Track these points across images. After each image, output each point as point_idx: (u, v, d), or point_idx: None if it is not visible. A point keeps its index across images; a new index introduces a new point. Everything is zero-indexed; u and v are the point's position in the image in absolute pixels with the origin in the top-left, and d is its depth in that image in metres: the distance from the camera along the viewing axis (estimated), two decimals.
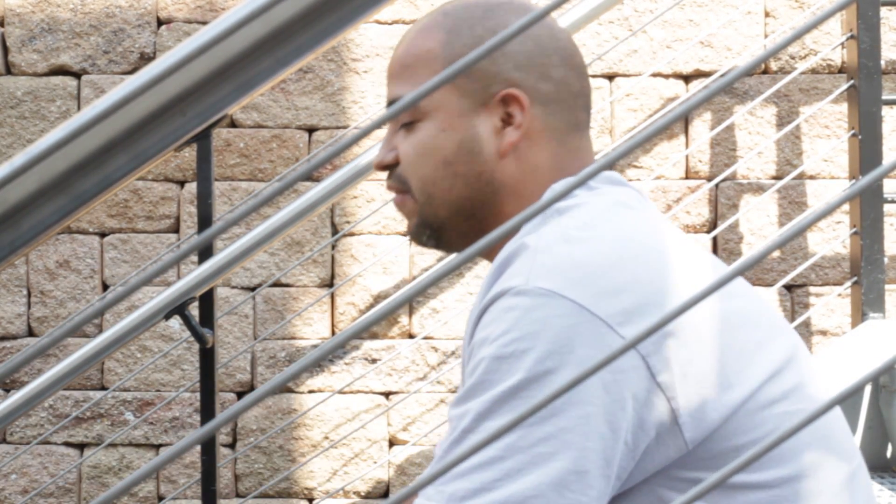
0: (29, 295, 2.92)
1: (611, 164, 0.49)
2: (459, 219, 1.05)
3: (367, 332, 2.95)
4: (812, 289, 2.95)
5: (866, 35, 2.39)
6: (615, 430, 0.85)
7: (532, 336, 0.85)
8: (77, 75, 2.93)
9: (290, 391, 2.93)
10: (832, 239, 2.93)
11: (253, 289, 2.92)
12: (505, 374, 0.86)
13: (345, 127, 2.93)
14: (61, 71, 2.93)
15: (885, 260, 2.58)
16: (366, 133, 0.49)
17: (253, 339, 2.92)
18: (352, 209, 2.93)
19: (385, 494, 2.91)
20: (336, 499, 2.91)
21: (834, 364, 2.30)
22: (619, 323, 0.86)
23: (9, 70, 2.93)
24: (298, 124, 2.94)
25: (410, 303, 2.96)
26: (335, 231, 2.93)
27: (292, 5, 0.82)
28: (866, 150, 2.38)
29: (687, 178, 2.95)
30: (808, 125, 2.95)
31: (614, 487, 0.87)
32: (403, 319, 2.93)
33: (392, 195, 1.09)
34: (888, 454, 2.34)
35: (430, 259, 2.91)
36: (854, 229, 2.41)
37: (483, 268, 2.92)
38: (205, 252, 1.85)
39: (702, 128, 2.95)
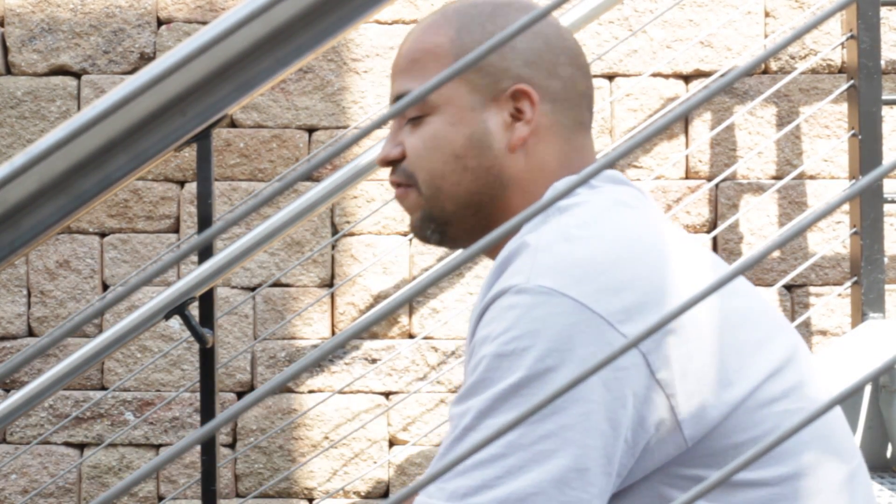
0: (29, 295, 2.92)
1: (611, 164, 0.49)
2: (467, 213, 1.05)
3: (367, 332, 2.95)
4: (812, 289, 2.95)
5: (866, 35, 2.39)
6: (616, 427, 0.85)
7: (533, 334, 0.86)
8: (77, 75, 2.93)
9: (290, 391, 2.93)
10: (832, 239, 2.93)
11: (253, 289, 2.92)
12: (506, 371, 0.86)
13: (345, 127, 2.93)
14: (61, 71, 2.93)
15: (885, 260, 2.58)
16: (366, 133, 0.49)
17: (253, 339, 2.92)
18: (352, 209, 2.93)
19: (385, 494, 2.91)
20: (336, 499, 2.91)
21: (834, 364, 2.30)
22: (619, 321, 0.86)
23: (9, 70, 2.93)
24: (298, 124, 2.94)
25: (410, 303, 2.96)
26: (335, 231, 2.93)
27: (292, 5, 0.82)
28: (866, 150, 2.38)
29: (687, 178, 2.95)
30: (808, 125, 2.95)
31: (615, 485, 0.88)
32: (403, 319, 2.93)
33: (393, 196, 1.09)
34: (888, 454, 2.34)
35: (430, 259, 2.91)
36: (854, 229, 2.41)
37: (483, 268, 2.92)
38: (205, 252, 1.85)
39: (702, 128, 2.95)
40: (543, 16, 0.48)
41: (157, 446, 2.93)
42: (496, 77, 1.03)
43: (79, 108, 2.95)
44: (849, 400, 2.32)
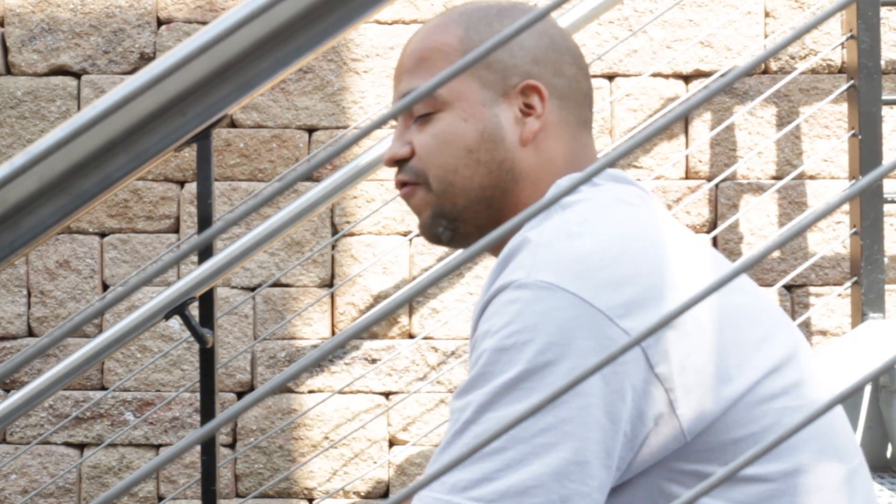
0: (29, 295, 2.92)
1: (613, 163, 0.49)
2: (479, 208, 1.06)
3: (367, 332, 2.95)
4: (812, 289, 2.95)
5: (866, 35, 2.39)
6: (615, 420, 0.86)
7: (533, 328, 0.87)
8: (77, 75, 2.93)
9: (290, 391, 2.93)
10: (832, 239, 2.93)
11: (253, 289, 2.92)
12: (506, 365, 0.87)
13: (345, 127, 2.93)
14: (61, 71, 2.93)
15: (885, 260, 2.58)
16: (366, 133, 0.49)
17: (253, 339, 2.92)
18: (352, 209, 2.93)
19: (385, 494, 2.91)
20: (336, 499, 2.91)
21: (834, 364, 2.30)
22: (619, 315, 0.87)
23: (9, 70, 2.93)
24: (298, 124, 2.94)
25: (410, 303, 2.96)
26: (335, 231, 2.93)
27: (292, 5, 0.82)
28: (866, 150, 2.38)
29: (687, 178, 2.95)
30: (808, 125, 2.95)
31: (614, 478, 0.88)
32: (403, 319, 2.93)
33: (393, 196, 1.10)
34: (888, 454, 2.34)
35: (430, 259, 2.91)
36: (854, 229, 2.41)
37: (483, 268, 2.92)
38: (205, 252, 1.85)
39: (702, 128, 2.95)
40: (548, 12, 0.48)
41: (157, 446, 2.93)
42: (506, 73, 1.05)
43: (79, 108, 2.95)
44: (849, 400, 2.32)
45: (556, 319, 0.86)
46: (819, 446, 0.93)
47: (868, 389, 2.32)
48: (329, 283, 2.93)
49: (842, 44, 2.81)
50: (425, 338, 2.92)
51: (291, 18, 0.83)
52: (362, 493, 2.92)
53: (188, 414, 2.93)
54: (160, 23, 2.94)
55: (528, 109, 1.05)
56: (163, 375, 2.92)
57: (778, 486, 0.90)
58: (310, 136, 2.95)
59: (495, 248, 1.07)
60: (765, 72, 2.96)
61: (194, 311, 1.84)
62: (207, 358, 1.78)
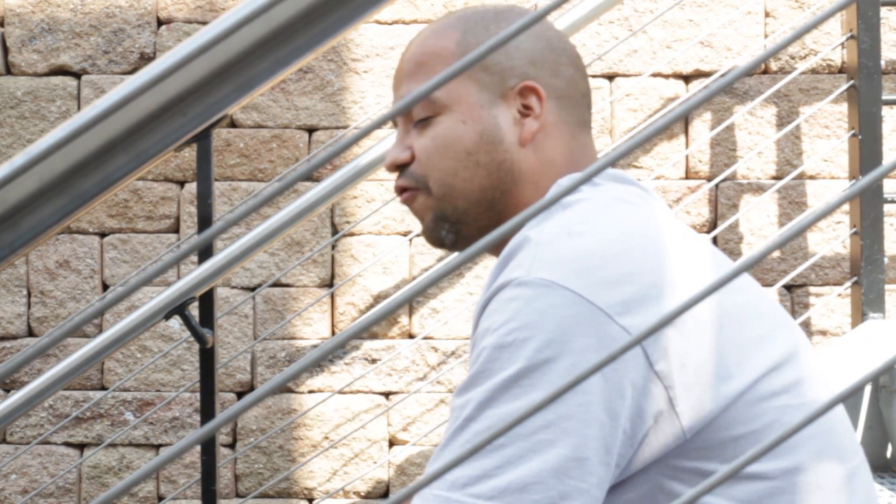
0: (29, 295, 2.92)
1: (613, 163, 0.49)
2: (479, 210, 1.07)
3: (367, 332, 2.95)
4: (812, 289, 2.95)
5: (866, 35, 2.39)
6: (614, 417, 0.86)
7: (532, 325, 0.87)
8: (77, 75, 2.93)
9: (290, 391, 2.93)
10: (832, 239, 2.93)
11: (253, 289, 2.92)
12: (505, 362, 0.87)
13: (345, 127, 2.93)
14: (61, 71, 2.93)
15: (885, 260, 2.58)
16: (366, 133, 0.49)
17: (253, 339, 2.92)
18: (352, 209, 2.93)
19: (385, 494, 2.91)
20: (336, 499, 2.91)
21: (834, 364, 2.30)
22: (618, 313, 0.88)
23: (9, 70, 2.93)
24: (298, 124, 2.94)
25: (410, 303, 2.96)
26: (335, 231, 2.93)
27: (292, 5, 0.82)
28: (866, 150, 2.38)
29: (687, 178, 2.95)
30: (808, 125, 2.95)
31: (613, 475, 0.89)
32: (403, 319, 2.93)
33: (393, 196, 1.10)
34: (888, 454, 2.34)
35: (430, 259, 2.91)
36: (854, 229, 2.41)
37: (483, 268, 2.92)
38: (205, 252, 1.85)
39: (702, 128, 2.95)
40: (544, 15, 0.48)
41: (157, 446, 2.93)
42: (503, 75, 1.06)
43: (79, 108, 2.95)
44: (849, 400, 2.32)
45: (555, 317, 0.87)
46: (819, 445, 0.93)
47: (868, 389, 2.32)
48: (329, 283, 2.93)
49: (842, 44, 2.81)
50: (425, 338, 2.92)
51: (291, 18, 0.83)
52: (362, 493, 2.92)
53: (188, 414, 2.93)
54: (160, 23, 2.94)
55: (526, 110, 1.06)
56: (163, 375, 2.92)
57: (778, 484, 0.90)
58: (310, 136, 2.95)
59: (496, 249, 1.08)
60: (765, 72, 2.96)
61: (194, 311, 1.84)
62: (207, 358, 1.78)
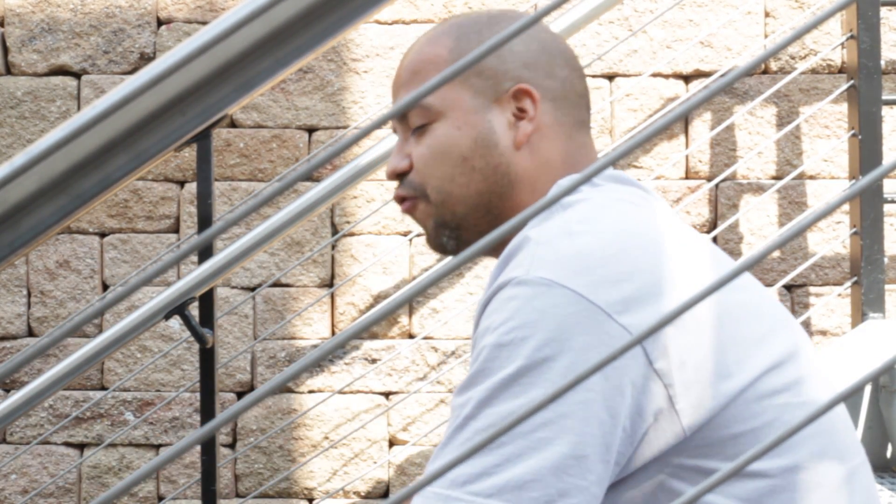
0: (29, 295, 2.92)
1: (613, 163, 0.49)
2: (478, 214, 1.07)
3: (367, 332, 2.95)
4: (812, 289, 2.95)
5: (866, 35, 2.39)
6: (614, 415, 0.87)
7: (532, 324, 0.87)
8: (77, 75, 2.93)
9: (290, 391, 2.93)
10: (832, 239, 2.93)
11: (253, 289, 2.92)
12: (505, 361, 0.88)
13: (345, 127, 2.93)
14: (61, 71, 2.93)
15: (885, 260, 2.58)
16: (366, 133, 0.49)
17: (253, 339, 2.92)
18: (352, 209, 2.93)
19: (385, 494, 2.91)
20: (336, 499, 2.91)
21: (834, 364, 2.30)
22: (618, 311, 0.88)
23: (9, 70, 2.93)
24: (298, 124, 2.94)
25: (410, 303, 2.96)
26: (335, 231, 2.93)
27: (292, 5, 0.82)
28: (866, 150, 2.38)
29: (687, 178, 2.95)
30: (808, 125, 2.95)
31: (613, 473, 0.89)
32: (403, 319, 2.93)
33: (392, 198, 1.11)
34: (888, 454, 2.34)
35: (430, 259, 2.91)
36: (854, 229, 2.41)
37: (483, 268, 2.92)
38: (205, 252, 1.85)
39: (702, 128, 2.95)
40: (538, 18, 0.48)
41: (157, 446, 2.93)
42: (497, 79, 1.06)
43: (79, 108, 2.95)
44: (849, 400, 2.32)
45: (554, 315, 0.87)
46: (819, 444, 0.93)
47: (868, 389, 2.32)
48: (329, 283, 2.93)
49: (842, 44, 2.81)
50: (425, 338, 2.92)
51: (291, 18, 0.83)
52: (362, 493, 2.92)
53: (188, 414, 2.93)
54: (160, 23, 2.94)
55: (520, 113, 1.06)
56: (163, 375, 2.92)
57: (777, 483, 0.90)
58: (310, 136, 2.95)
59: (497, 250, 1.09)
60: (765, 72, 2.96)
61: (194, 311, 1.84)
62: (207, 358, 1.78)
